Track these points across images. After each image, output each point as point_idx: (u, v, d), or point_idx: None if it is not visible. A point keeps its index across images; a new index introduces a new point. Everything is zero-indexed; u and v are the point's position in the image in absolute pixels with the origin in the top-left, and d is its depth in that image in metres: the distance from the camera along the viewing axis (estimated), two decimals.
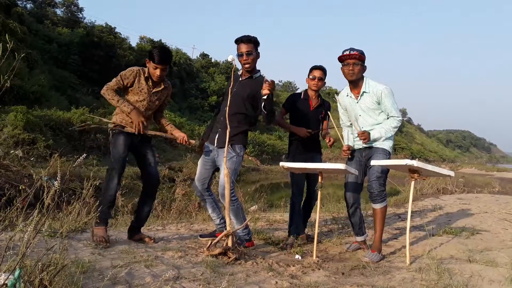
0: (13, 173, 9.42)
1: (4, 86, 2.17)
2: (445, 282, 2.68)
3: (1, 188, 7.88)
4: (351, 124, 3.99)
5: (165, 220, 5.85)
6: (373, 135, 3.71)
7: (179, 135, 3.84)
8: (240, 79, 3.93)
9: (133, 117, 3.60)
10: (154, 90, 3.75)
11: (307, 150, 4.32)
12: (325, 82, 4.43)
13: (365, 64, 3.77)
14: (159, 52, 3.58)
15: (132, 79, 3.68)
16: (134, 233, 3.88)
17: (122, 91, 3.74)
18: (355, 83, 3.79)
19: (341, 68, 3.79)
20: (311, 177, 4.35)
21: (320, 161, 4.44)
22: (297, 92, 4.83)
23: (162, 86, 3.80)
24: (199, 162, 4.04)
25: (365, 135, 3.68)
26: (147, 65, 3.67)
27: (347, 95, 3.88)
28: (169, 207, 6.47)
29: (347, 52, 3.68)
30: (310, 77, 4.37)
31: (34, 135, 13.81)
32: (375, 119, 3.79)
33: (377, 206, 3.68)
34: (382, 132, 3.72)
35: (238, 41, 3.85)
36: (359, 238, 4.02)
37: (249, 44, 3.82)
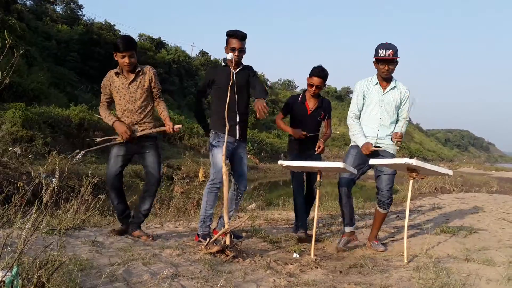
0: (11, 170, 9.41)
1: (2, 83, 2.17)
2: (442, 281, 2.69)
3: None
4: (360, 114, 3.96)
5: (163, 218, 5.85)
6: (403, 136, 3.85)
7: (166, 127, 3.81)
8: (234, 71, 3.94)
9: (116, 129, 3.76)
10: (129, 82, 3.80)
11: (306, 149, 4.33)
12: (325, 85, 4.41)
13: (398, 60, 3.80)
14: (122, 41, 3.71)
15: (109, 84, 3.83)
16: (133, 229, 3.91)
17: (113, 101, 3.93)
18: (386, 79, 3.87)
19: (375, 63, 3.83)
20: (311, 175, 4.36)
21: (319, 160, 4.44)
22: (295, 94, 4.76)
23: (134, 74, 3.81)
24: (218, 153, 3.81)
25: (401, 139, 3.76)
26: (116, 58, 3.77)
27: (376, 84, 3.89)
28: (168, 205, 6.47)
29: (383, 55, 3.70)
30: (309, 82, 4.32)
31: (33, 132, 13.76)
32: (392, 115, 3.88)
33: (384, 211, 3.93)
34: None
35: (233, 35, 3.89)
36: (349, 229, 4.01)
37: (243, 41, 3.91)
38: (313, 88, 4.30)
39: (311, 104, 4.37)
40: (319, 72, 4.29)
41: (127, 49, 3.68)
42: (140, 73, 3.84)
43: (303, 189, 4.38)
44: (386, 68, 3.75)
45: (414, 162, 3.23)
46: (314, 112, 4.37)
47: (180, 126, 3.86)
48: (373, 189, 4.07)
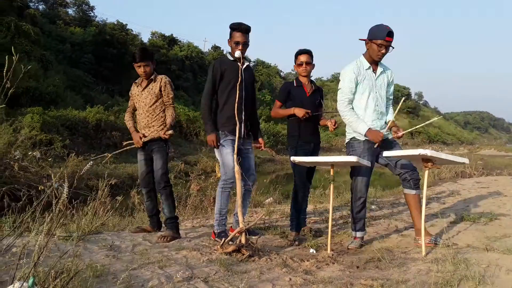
0: (32, 174, 9.59)
1: (10, 89, 2.21)
2: (461, 273, 2.64)
3: (19, 189, 8.02)
4: (353, 98, 3.74)
5: (181, 216, 5.88)
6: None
7: (161, 132, 4.11)
8: (241, 67, 3.93)
9: (132, 137, 4.24)
10: (142, 89, 4.20)
11: (307, 142, 4.23)
12: (314, 65, 4.35)
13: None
14: (138, 52, 4.11)
15: (131, 93, 4.32)
16: (167, 229, 4.11)
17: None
18: (377, 63, 3.75)
19: (371, 44, 3.61)
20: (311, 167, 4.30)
21: (318, 149, 4.39)
22: (288, 81, 4.70)
23: (147, 82, 4.17)
24: (228, 153, 3.83)
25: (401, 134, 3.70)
26: (135, 67, 4.15)
27: (368, 68, 3.72)
28: (185, 203, 6.51)
29: (389, 36, 3.53)
30: (297, 63, 4.29)
31: (51, 135, 13.97)
32: (385, 99, 3.81)
33: (414, 191, 3.67)
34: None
35: (236, 29, 3.87)
36: (361, 234, 3.83)
37: (247, 35, 3.90)
38: (303, 66, 4.25)
39: (308, 87, 4.32)
40: (303, 50, 4.30)
41: (141, 59, 4.06)
42: (153, 81, 4.18)
43: (305, 184, 4.27)
44: (384, 51, 3.60)
45: (429, 152, 3.17)
46: (312, 94, 4.31)
47: (170, 132, 4.12)
48: (391, 176, 3.96)
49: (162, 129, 4.11)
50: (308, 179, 4.36)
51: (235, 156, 3.66)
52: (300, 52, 4.30)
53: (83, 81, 25.51)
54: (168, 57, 35.19)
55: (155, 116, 4.14)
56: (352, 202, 3.83)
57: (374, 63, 3.73)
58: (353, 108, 3.75)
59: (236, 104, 3.78)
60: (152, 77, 4.17)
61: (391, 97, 3.89)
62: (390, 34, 3.54)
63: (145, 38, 38.44)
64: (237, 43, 3.86)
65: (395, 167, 3.73)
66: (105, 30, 31.06)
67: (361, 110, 3.74)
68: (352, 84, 3.69)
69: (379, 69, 3.75)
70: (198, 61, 40.16)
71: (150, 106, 4.12)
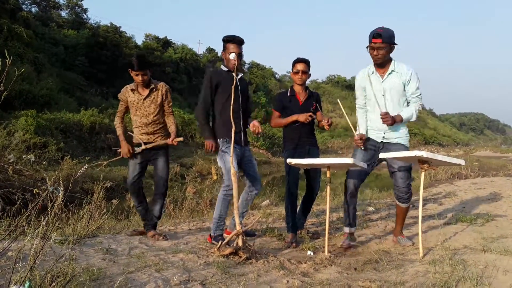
0: (26, 177, 9.52)
1: (4, 92, 2.19)
2: (459, 274, 2.64)
3: (14, 193, 7.97)
4: (365, 106, 3.85)
5: (177, 219, 5.87)
6: (403, 115, 3.62)
7: (169, 139, 4.21)
8: (237, 77, 3.95)
9: (121, 147, 4.18)
10: (143, 97, 4.12)
11: (303, 145, 4.24)
12: (310, 74, 4.35)
13: (393, 45, 3.60)
14: (136, 61, 4.00)
15: (125, 98, 4.22)
16: (148, 230, 4.21)
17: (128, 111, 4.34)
18: (381, 65, 3.69)
19: (368, 49, 3.64)
20: (310, 170, 4.29)
21: (317, 153, 4.38)
22: (283, 91, 4.72)
23: (148, 90, 4.14)
24: (228, 160, 3.80)
25: (388, 117, 3.56)
26: (131, 74, 4.07)
27: (372, 73, 3.72)
28: (181, 206, 6.49)
29: (375, 38, 3.53)
30: (294, 71, 4.32)
31: (45, 138, 13.90)
32: (398, 101, 3.70)
33: (405, 205, 3.82)
34: (410, 114, 3.66)
35: (231, 41, 3.94)
36: (349, 230, 3.89)
37: (241, 46, 3.96)
38: (299, 74, 4.27)
39: (301, 96, 4.33)
40: (301, 59, 4.32)
41: (140, 69, 4.00)
42: (154, 89, 4.17)
43: (298, 183, 4.28)
44: (375, 53, 3.57)
45: (425, 154, 3.17)
46: (306, 102, 4.31)
47: (180, 139, 4.25)
48: (388, 177, 3.98)
49: (165, 134, 4.23)
50: (313, 183, 4.38)
51: (231, 159, 3.65)
52: (297, 61, 4.33)
53: (76, 83, 25.42)
54: (162, 59, 35.15)
55: (160, 124, 4.23)
56: (345, 193, 3.89)
57: (378, 66, 3.71)
58: (364, 113, 3.88)
59: (231, 113, 3.78)
60: (152, 85, 4.16)
61: (413, 95, 3.69)
62: (375, 36, 3.54)
63: (139, 40, 38.35)
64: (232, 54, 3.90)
65: (391, 178, 3.82)
66: (99, 32, 31.00)
67: (371, 113, 3.81)
68: (360, 91, 3.87)
69: (388, 71, 3.69)
70: (193, 64, 40.13)
71: (155, 116, 4.18)
